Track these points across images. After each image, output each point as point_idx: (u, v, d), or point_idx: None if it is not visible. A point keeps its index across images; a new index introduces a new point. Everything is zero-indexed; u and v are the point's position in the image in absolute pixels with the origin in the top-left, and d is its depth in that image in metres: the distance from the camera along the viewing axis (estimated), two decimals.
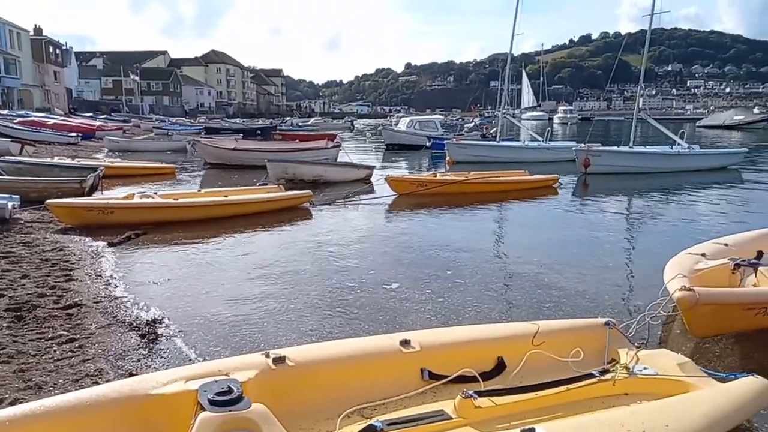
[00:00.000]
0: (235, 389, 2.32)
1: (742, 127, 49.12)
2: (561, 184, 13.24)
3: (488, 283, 5.72)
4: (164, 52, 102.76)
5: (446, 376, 2.98)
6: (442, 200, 10.91)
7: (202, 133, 31.99)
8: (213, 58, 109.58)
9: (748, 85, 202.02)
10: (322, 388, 2.82)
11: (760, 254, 5.08)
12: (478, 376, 2.97)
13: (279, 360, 2.78)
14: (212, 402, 2.24)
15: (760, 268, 4.58)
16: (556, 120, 67.48)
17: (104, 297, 5.07)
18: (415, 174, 14.84)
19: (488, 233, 8.74)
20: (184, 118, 59.48)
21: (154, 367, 3.68)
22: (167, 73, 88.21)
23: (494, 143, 21.47)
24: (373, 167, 15.15)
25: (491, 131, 29.04)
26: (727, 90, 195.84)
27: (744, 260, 4.76)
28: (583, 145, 15.84)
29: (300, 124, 55.75)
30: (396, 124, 31.29)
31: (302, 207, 10.12)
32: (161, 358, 3.90)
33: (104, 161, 16.35)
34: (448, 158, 19.03)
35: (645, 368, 3.07)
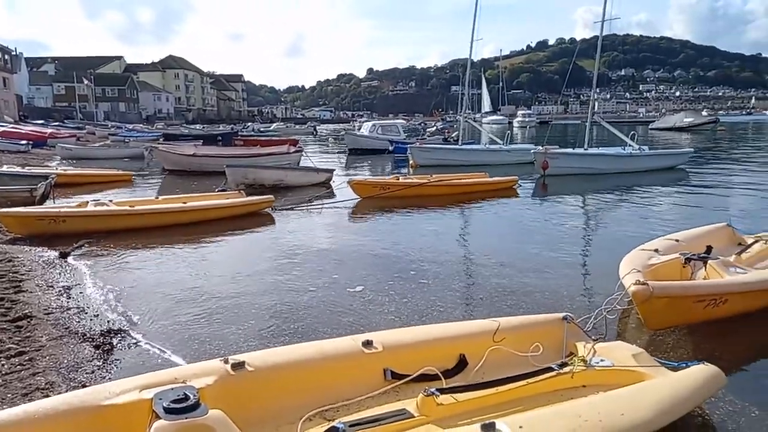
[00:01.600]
0: (191, 396, 2.26)
1: (691, 129, 51.10)
2: (520, 185, 13.48)
3: (451, 283, 5.77)
4: (119, 58, 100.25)
5: (409, 376, 2.98)
6: (405, 203, 10.95)
7: (161, 140, 31.26)
8: (171, 63, 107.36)
9: (696, 89, 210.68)
10: (283, 392, 2.78)
11: (709, 249, 5.30)
12: (440, 374, 2.99)
13: (238, 365, 2.73)
14: (167, 410, 2.18)
15: (709, 261, 4.77)
16: (515, 124, 68.78)
17: (56, 308, 4.88)
18: (378, 177, 14.86)
19: (450, 234, 8.81)
20: (141, 125, 58.02)
21: (109, 378, 3.56)
22: (123, 78, 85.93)
23: (456, 147, 21.72)
24: (333, 171, 15.14)
25: (453, 135, 29.38)
26: (677, 93, 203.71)
27: (694, 255, 4.95)
28: (541, 147, 16.17)
29: (262, 129, 55.12)
30: (359, 129, 31.32)
31: (264, 212, 9.99)
32: (117, 369, 3.78)
33: (56, 169, 15.78)
34: (411, 162, 19.15)
35: (602, 360, 3.14)
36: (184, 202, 9.30)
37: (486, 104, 74.71)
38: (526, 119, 78.43)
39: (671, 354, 3.91)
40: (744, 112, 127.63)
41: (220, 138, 30.74)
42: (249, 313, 4.88)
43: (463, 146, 21.99)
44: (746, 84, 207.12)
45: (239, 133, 38.11)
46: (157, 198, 10.05)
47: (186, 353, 4.01)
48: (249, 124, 68.82)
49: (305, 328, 4.52)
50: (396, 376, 3.03)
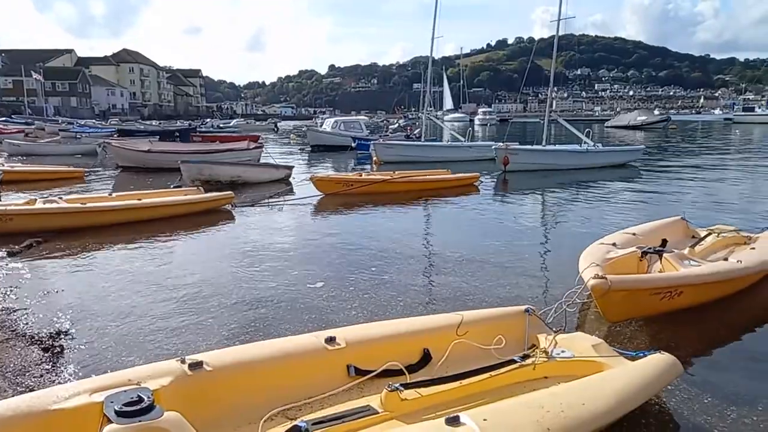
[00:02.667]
0: (145, 398, 2.16)
1: (644, 127, 52.80)
2: (482, 181, 13.63)
3: (414, 278, 5.76)
4: (70, 51, 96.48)
5: (373, 371, 2.95)
6: (367, 199, 10.91)
7: (115, 136, 30.29)
8: (125, 57, 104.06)
9: (648, 89, 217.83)
10: (243, 392, 2.70)
11: (664, 242, 5.46)
12: (404, 369, 2.97)
13: (195, 365, 2.63)
14: (119, 413, 2.08)
15: (664, 254, 4.90)
16: (476, 121, 69.59)
17: (1, 310, 4.64)
18: (340, 174, 14.77)
19: (413, 230, 8.82)
20: (94, 120, 56.01)
21: (59, 382, 3.39)
22: (74, 72, 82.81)
23: (420, 143, 21.82)
24: (293, 167, 14.98)
25: (415, 132, 29.50)
26: (631, 93, 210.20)
27: (650, 248, 5.08)
28: (502, 144, 16.41)
29: (221, 125, 54.15)
30: (321, 126, 31.09)
31: (223, 209, 9.77)
32: (67, 372, 3.62)
33: (3, 166, 15.06)
34: (375, 158, 19.13)
35: (562, 351, 3.18)
36: (140, 199, 9.00)
37: (447, 102, 75.25)
38: (487, 117, 79.48)
39: (629, 344, 4.00)
40: (693, 112, 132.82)
41: (177, 134, 30.00)
42: (208, 311, 4.75)
43: (426, 143, 22.11)
44: (695, 84, 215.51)
45: (197, 129, 37.32)
46: (110, 195, 9.69)
47: (141, 354, 3.86)
48: (208, 120, 67.27)
49: (266, 325, 4.43)
50: (360, 372, 2.99)
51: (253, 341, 3.66)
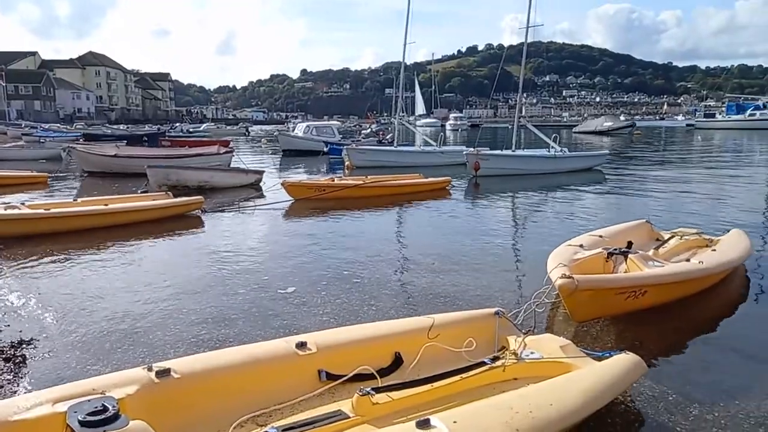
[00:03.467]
0: (110, 407, 2.12)
1: (610, 133, 54.03)
2: (453, 185, 13.74)
3: (386, 282, 5.77)
4: (34, 53, 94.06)
5: (344, 376, 2.94)
6: (340, 204, 10.89)
7: (80, 140, 29.60)
8: (91, 60, 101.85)
9: (614, 95, 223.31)
10: (212, 399, 2.66)
11: (630, 244, 5.60)
12: (375, 373, 2.97)
13: (163, 373, 2.59)
14: (83, 423, 2.03)
15: (629, 255, 5.03)
16: (448, 126, 70.36)
17: None
18: (312, 179, 14.72)
19: (385, 235, 8.83)
20: (58, 125, 54.58)
21: (21, 393, 3.29)
22: (38, 75, 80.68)
23: (392, 148, 21.89)
24: (263, 172, 14.85)
25: (387, 137, 29.61)
26: (597, 99, 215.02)
27: (616, 249, 5.21)
28: (473, 149, 16.60)
29: (191, 130, 53.38)
30: (293, 130, 30.93)
31: (193, 214, 9.63)
32: (29, 382, 3.51)
33: None
34: (347, 163, 19.13)
35: (532, 353, 3.23)
36: (106, 204, 8.81)
37: (419, 107, 75.92)
38: (458, 122, 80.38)
39: (596, 344, 4.08)
40: (657, 118, 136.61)
41: (145, 138, 29.50)
42: (176, 318, 4.67)
43: (399, 148, 22.21)
44: (659, 91, 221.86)
45: (166, 134, 36.71)
46: (75, 200, 9.45)
47: (107, 363, 3.77)
48: (177, 124, 66.33)
49: (237, 332, 4.37)
50: (331, 377, 2.98)
51: (223, 347, 3.61)
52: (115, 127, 56.41)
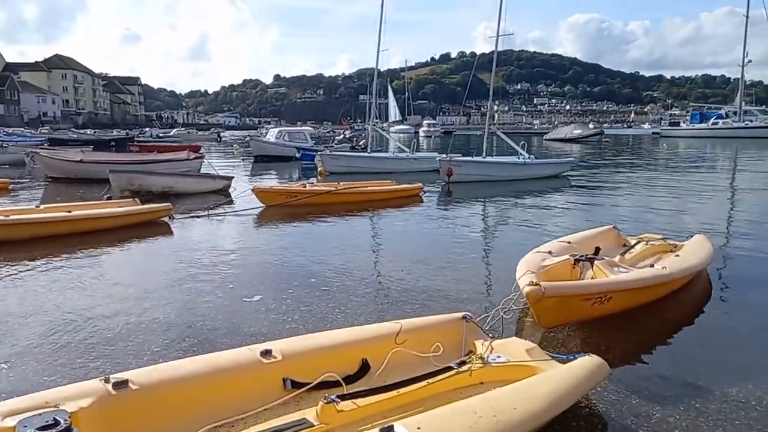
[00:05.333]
0: (62, 421, 2.05)
1: (580, 140, 55.11)
2: (425, 191, 13.79)
3: (355, 289, 5.74)
4: None
5: (309, 384, 2.90)
6: (311, 211, 10.82)
7: (45, 145, 28.81)
8: (58, 63, 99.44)
9: (584, 103, 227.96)
10: (173, 410, 2.59)
11: (597, 250, 5.69)
12: (340, 380, 2.93)
13: (120, 384, 2.51)
14: None
15: (596, 262, 5.10)
16: (421, 133, 70.68)
17: None
18: (284, 185, 14.60)
19: (356, 241, 8.80)
20: (22, 129, 53.07)
21: None
22: (1, 78, 78.34)
23: (366, 154, 21.91)
24: (232, 178, 14.65)
25: (361, 143, 29.63)
26: (567, 107, 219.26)
27: (582, 256, 5.27)
28: (445, 156, 16.72)
29: (161, 135, 52.52)
30: (265, 136, 30.71)
31: (160, 221, 9.44)
32: None
33: None
34: (320, 168, 19.05)
35: (498, 357, 3.24)
36: (69, 211, 8.57)
37: (393, 113, 76.32)
38: (432, 129, 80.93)
39: (562, 348, 4.12)
40: (625, 126, 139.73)
41: (113, 143, 28.90)
42: (139, 328, 4.55)
43: (372, 154, 22.24)
44: (627, 100, 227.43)
45: (135, 139, 36.06)
46: (37, 207, 9.18)
47: (65, 374, 3.65)
48: (147, 129, 65.11)
49: (201, 341, 4.28)
50: (296, 385, 2.93)
51: (186, 357, 3.53)
52: (81, 131, 55.13)
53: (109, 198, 10.09)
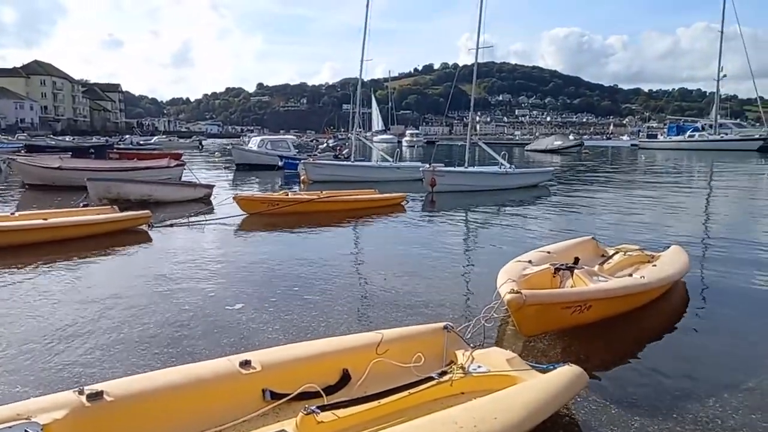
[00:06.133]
0: None
1: (561, 151, 55.84)
2: (408, 201, 13.82)
3: (337, 298, 5.71)
4: None
5: (289, 395, 2.87)
6: (293, 219, 10.77)
7: (22, 151, 28.33)
8: (36, 69, 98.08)
9: (564, 115, 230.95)
10: (148, 423, 2.54)
11: (576, 260, 5.75)
12: (321, 391, 2.90)
13: (94, 396, 2.46)
14: None
15: (575, 271, 5.15)
16: (404, 143, 70.99)
17: None
18: (266, 193, 14.52)
19: (339, 250, 8.76)
20: None
21: None
22: None
23: (349, 163, 21.94)
24: (213, 186, 14.53)
25: (344, 152, 29.64)
26: (548, 119, 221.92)
27: (562, 265, 5.33)
28: (429, 165, 16.81)
29: (141, 142, 51.95)
30: (248, 144, 30.57)
31: (139, 229, 9.31)
32: None
33: None
34: (303, 177, 19.03)
35: (479, 367, 3.25)
36: (46, 219, 8.41)
37: (376, 123, 76.46)
38: (415, 139, 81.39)
39: (543, 357, 4.15)
40: (604, 137, 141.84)
41: (92, 150, 28.52)
42: (117, 338, 4.47)
43: (356, 163, 22.27)
44: (606, 112, 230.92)
45: (115, 146, 35.65)
46: (13, 214, 8.99)
47: (37, 386, 3.56)
48: (127, 136, 64.45)
49: (180, 351, 4.22)
50: (276, 396, 2.90)
51: (164, 368, 3.47)
52: (60, 138, 54.30)
53: (86, 205, 9.92)
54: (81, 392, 2.47)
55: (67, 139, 53.57)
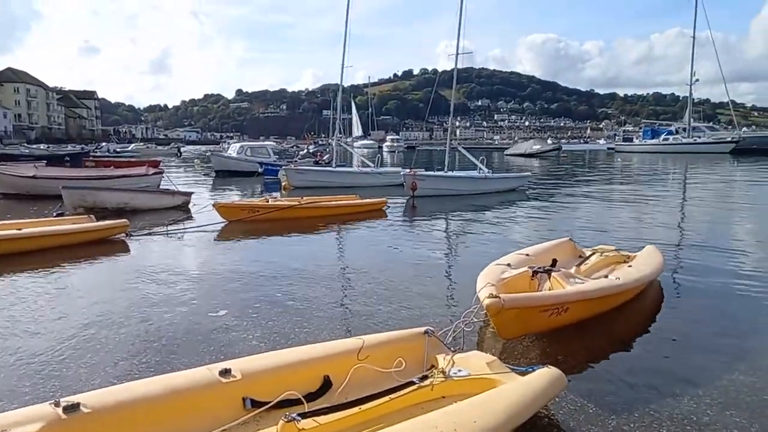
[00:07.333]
0: None
1: (539, 155, 56.55)
2: (389, 206, 13.85)
3: (319, 305, 5.70)
4: None
5: (269, 403, 2.86)
6: (274, 226, 10.72)
7: None
8: (10, 76, 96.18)
9: (542, 120, 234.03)
10: None
11: (554, 261, 5.83)
12: (302, 398, 2.90)
13: (71, 408, 2.42)
14: None
15: (553, 273, 5.22)
16: (385, 148, 71.29)
17: None
18: (246, 200, 14.43)
19: (320, 256, 8.75)
20: None
21: None
22: None
23: (330, 169, 21.93)
24: (192, 193, 14.40)
25: (325, 158, 29.61)
26: (527, 123, 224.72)
27: (540, 267, 5.39)
28: (410, 170, 16.89)
29: (118, 150, 51.28)
30: (227, 151, 30.37)
31: (117, 239, 9.19)
32: None
33: None
34: (284, 183, 18.97)
35: (459, 371, 3.27)
36: (19, 229, 8.25)
37: (356, 129, 76.53)
38: (395, 144, 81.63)
39: (523, 360, 4.19)
40: (582, 141, 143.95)
41: (67, 159, 27.98)
42: (94, 349, 4.41)
43: (337, 168, 22.26)
44: (583, 116, 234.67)
45: (91, 154, 35.08)
46: None
47: (11, 399, 3.49)
48: (103, 144, 63.52)
49: (159, 360, 4.18)
50: (256, 405, 2.89)
51: (142, 378, 3.43)
52: (34, 146, 53.20)
53: (60, 215, 9.75)
54: (57, 404, 2.44)
55: (41, 147, 52.46)
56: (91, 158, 30.51)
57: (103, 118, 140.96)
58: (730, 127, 67.95)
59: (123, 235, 9.34)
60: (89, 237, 8.79)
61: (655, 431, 3.24)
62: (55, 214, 9.80)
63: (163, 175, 18.56)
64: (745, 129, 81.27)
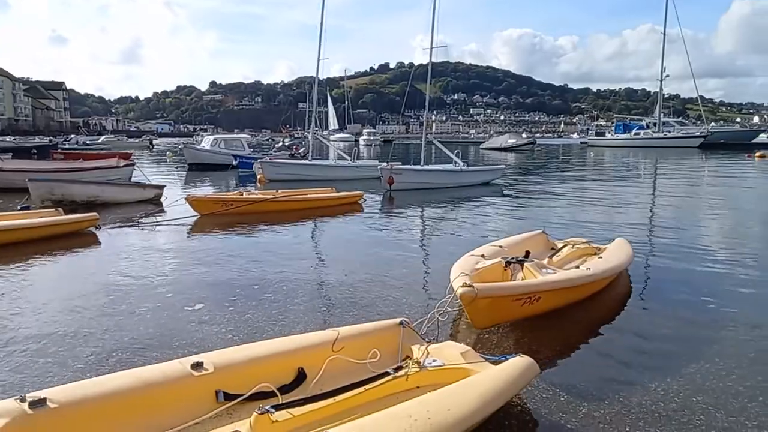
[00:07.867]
0: None
1: (514, 149, 57.11)
2: (365, 199, 13.84)
3: (294, 297, 5.67)
4: None
5: (242, 395, 2.84)
6: (248, 219, 10.61)
7: None
8: None
9: (517, 114, 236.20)
10: (95, 429, 2.47)
11: (527, 253, 5.92)
12: (275, 390, 2.89)
13: (37, 403, 2.37)
14: None
15: (526, 264, 5.30)
16: (361, 141, 71.01)
17: None
18: (219, 193, 14.25)
19: (295, 249, 8.70)
20: None
21: None
22: None
23: (307, 162, 21.78)
24: (164, 186, 14.15)
25: (300, 151, 29.43)
26: (502, 117, 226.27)
27: (513, 258, 5.47)
28: (386, 164, 16.88)
29: (88, 142, 50.06)
30: (200, 143, 29.92)
31: (86, 232, 8.99)
32: None
33: None
34: (259, 176, 18.78)
35: (434, 361, 3.30)
36: None
37: (333, 122, 76.18)
38: (372, 137, 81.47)
39: (496, 350, 4.24)
40: (556, 135, 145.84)
41: (34, 151, 27.31)
42: (63, 343, 4.31)
43: (314, 162, 22.13)
44: (557, 111, 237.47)
45: (59, 146, 34.24)
46: None
47: None
48: (72, 136, 61.87)
49: (130, 354, 4.11)
50: (229, 398, 2.86)
51: (113, 372, 3.37)
52: (0, 138, 51.67)
53: (26, 208, 9.49)
54: (23, 399, 2.38)
55: (7, 139, 50.92)
56: (59, 150, 29.80)
57: (72, 109, 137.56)
58: (699, 122, 69.73)
59: (93, 228, 9.14)
60: (57, 231, 8.58)
61: (625, 417, 3.31)
62: (20, 207, 9.52)
63: (135, 167, 18.20)
64: (713, 124, 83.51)
